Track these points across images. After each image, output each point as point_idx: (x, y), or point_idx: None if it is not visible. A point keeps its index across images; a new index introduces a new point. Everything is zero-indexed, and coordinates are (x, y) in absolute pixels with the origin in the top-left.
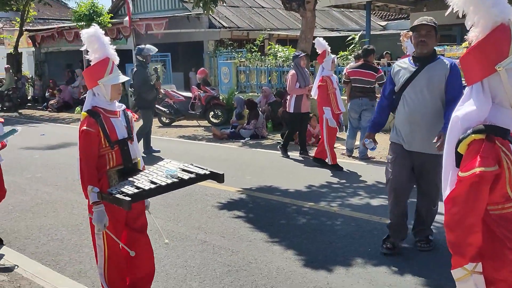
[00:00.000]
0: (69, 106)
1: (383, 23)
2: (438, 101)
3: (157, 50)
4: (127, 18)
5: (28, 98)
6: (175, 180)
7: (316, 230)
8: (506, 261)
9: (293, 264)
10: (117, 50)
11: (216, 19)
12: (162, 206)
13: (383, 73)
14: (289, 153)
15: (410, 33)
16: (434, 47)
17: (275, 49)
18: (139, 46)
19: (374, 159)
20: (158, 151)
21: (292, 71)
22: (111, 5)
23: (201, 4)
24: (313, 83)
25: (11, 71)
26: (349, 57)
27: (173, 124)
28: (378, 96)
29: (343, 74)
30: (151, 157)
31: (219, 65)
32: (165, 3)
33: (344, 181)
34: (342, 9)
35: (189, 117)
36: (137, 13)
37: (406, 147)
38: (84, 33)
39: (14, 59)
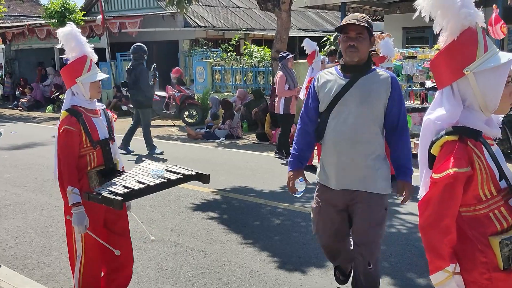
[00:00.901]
0: (41, 105)
1: None
2: (374, 125)
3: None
4: (100, 16)
5: None
6: (163, 180)
7: (290, 231)
8: (477, 262)
9: (267, 266)
10: None
11: (191, 18)
12: (135, 208)
13: None
14: (265, 153)
15: (384, 34)
16: (369, 54)
17: (251, 49)
18: (139, 45)
19: None
20: (132, 151)
21: (280, 73)
22: (84, 2)
23: (175, 3)
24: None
25: None
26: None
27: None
28: None
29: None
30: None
31: (194, 64)
32: (140, 1)
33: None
34: (317, 10)
35: (163, 117)
36: (110, 11)
37: (333, 185)
38: (60, 31)
39: None
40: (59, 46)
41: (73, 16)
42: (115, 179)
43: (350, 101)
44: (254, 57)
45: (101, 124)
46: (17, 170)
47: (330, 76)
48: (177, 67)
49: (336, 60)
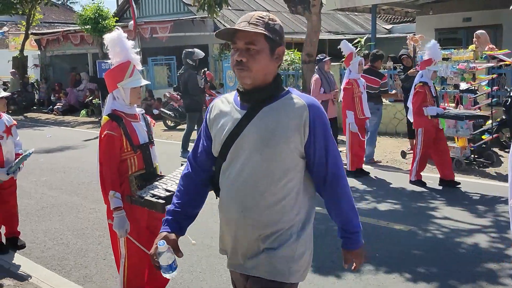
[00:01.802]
0: (75, 109)
1: (388, 27)
2: (284, 179)
3: (204, 54)
4: (132, 22)
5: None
6: None
7: (324, 235)
8: None
9: None
10: None
11: (221, 23)
12: None
13: (387, 79)
14: None
15: (417, 36)
16: (277, 73)
17: None
18: (189, 50)
19: (380, 163)
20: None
21: (315, 76)
22: (116, 8)
23: (205, 8)
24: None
25: (17, 75)
26: None
27: (178, 127)
28: (385, 98)
29: None
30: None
31: (225, 68)
32: (170, 6)
33: (351, 185)
34: (347, 13)
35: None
36: (142, 17)
37: (228, 265)
38: (107, 36)
39: (20, 63)
40: (108, 51)
41: (106, 22)
42: (156, 182)
43: (247, 143)
44: (284, 60)
45: (141, 128)
46: (53, 173)
47: (226, 105)
48: (208, 71)
49: (368, 64)
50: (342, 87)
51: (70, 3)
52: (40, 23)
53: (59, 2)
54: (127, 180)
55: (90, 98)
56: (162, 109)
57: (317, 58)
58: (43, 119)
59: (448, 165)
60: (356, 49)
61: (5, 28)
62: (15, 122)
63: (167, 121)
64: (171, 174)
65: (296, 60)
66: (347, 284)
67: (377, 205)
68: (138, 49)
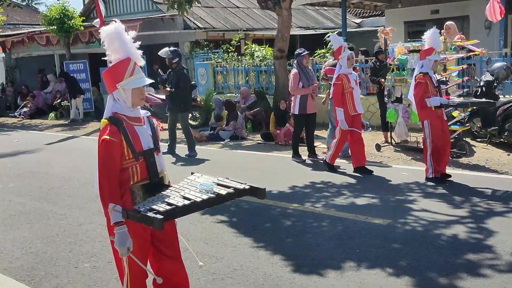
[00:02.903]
0: (43, 112)
1: (358, 21)
2: None
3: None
4: (98, 20)
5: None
6: (211, 195)
7: (302, 232)
8: None
9: (280, 269)
10: (90, 54)
11: (191, 20)
12: None
13: (360, 71)
14: (271, 153)
15: (388, 29)
16: None
17: (252, 49)
18: (177, 49)
19: None
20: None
21: (294, 70)
22: (82, 8)
23: (175, 6)
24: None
25: None
26: (327, 55)
27: None
28: None
29: (321, 72)
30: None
31: (196, 66)
32: (139, 5)
33: (327, 180)
34: (317, 7)
35: (166, 120)
36: (110, 16)
37: None
38: (103, 30)
39: None
40: (105, 47)
41: (72, 22)
42: (158, 194)
43: None
44: (256, 56)
45: (145, 133)
46: (21, 179)
47: None
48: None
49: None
50: (332, 82)
51: (35, 4)
52: (3, 24)
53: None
54: (128, 191)
55: (59, 100)
56: None
57: (296, 52)
58: (9, 124)
59: (446, 160)
60: (328, 44)
61: None
62: None
63: None
64: (177, 185)
65: (268, 56)
66: (328, 282)
67: (355, 200)
68: (139, 42)
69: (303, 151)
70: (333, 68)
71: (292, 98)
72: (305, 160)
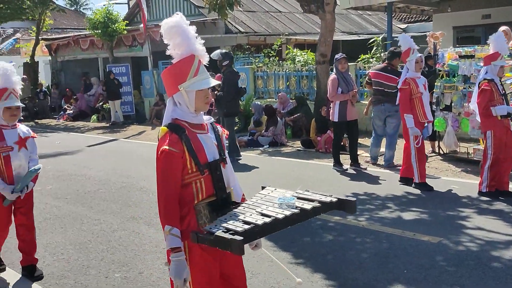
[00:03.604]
0: (86, 115)
1: (403, 26)
2: None
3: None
4: (142, 25)
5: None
6: (295, 211)
7: (345, 248)
8: None
9: None
10: (133, 58)
11: (232, 25)
12: None
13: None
14: (311, 161)
15: (437, 33)
16: None
17: (294, 53)
18: (228, 52)
19: (400, 167)
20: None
21: (332, 76)
22: (127, 12)
23: (216, 9)
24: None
25: (27, 81)
26: (371, 60)
27: None
28: None
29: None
30: None
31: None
32: (181, 9)
33: (371, 192)
34: (360, 12)
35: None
36: (153, 20)
37: None
38: (165, 23)
39: (31, 68)
40: (166, 41)
41: (116, 26)
42: (229, 212)
43: None
44: (297, 61)
45: (209, 142)
46: (59, 181)
47: None
48: (219, 74)
49: (386, 62)
50: (399, 86)
51: (83, 8)
52: (51, 28)
53: (72, 8)
54: (193, 211)
55: (101, 103)
56: None
57: (335, 57)
58: (53, 125)
59: (507, 174)
60: (373, 49)
61: (18, 35)
62: (34, 135)
63: None
64: (250, 201)
65: (310, 61)
66: None
67: (401, 214)
68: (201, 39)
69: (345, 159)
70: (379, 72)
71: (331, 105)
72: (347, 169)
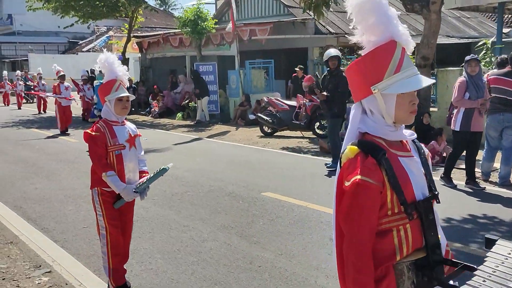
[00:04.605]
0: (171, 112)
1: (506, 30)
2: None
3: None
4: (230, 24)
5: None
6: None
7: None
8: None
9: None
10: (219, 57)
11: (322, 25)
12: (271, 235)
13: None
14: None
15: None
16: None
17: None
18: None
19: None
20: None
21: (461, 78)
22: (215, 10)
23: (311, 8)
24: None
25: None
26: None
27: (275, 134)
28: None
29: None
30: None
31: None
32: (270, 8)
33: (492, 215)
34: (458, 15)
35: (292, 128)
36: (241, 19)
37: None
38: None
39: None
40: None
41: (205, 24)
42: (449, 275)
43: None
44: None
45: (416, 169)
46: None
47: None
48: (309, 75)
49: (509, 66)
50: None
51: (171, 9)
52: (142, 27)
53: (161, 8)
54: (392, 273)
55: (187, 101)
56: (259, 114)
57: (465, 59)
58: (140, 121)
59: None
60: (481, 53)
61: (111, 33)
62: (139, 133)
63: (264, 127)
64: (488, 267)
65: None
66: None
67: None
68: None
69: (454, 173)
70: (501, 77)
71: (454, 111)
72: (456, 185)
